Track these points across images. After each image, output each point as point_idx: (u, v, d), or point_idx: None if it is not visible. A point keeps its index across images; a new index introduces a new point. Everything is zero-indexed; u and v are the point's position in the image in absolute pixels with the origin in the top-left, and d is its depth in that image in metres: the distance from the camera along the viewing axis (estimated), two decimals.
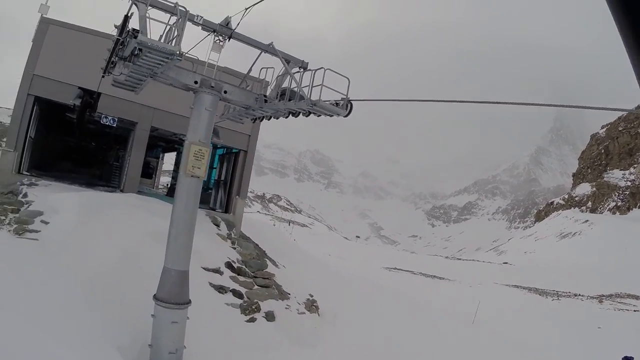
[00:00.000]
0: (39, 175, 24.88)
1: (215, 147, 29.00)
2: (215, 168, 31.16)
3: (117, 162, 36.80)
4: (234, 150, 28.47)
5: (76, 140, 43.53)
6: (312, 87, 10.60)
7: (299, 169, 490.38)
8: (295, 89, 11.45)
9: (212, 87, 11.21)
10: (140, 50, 9.72)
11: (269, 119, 13.51)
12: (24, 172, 24.04)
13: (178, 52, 9.46)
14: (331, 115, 11.25)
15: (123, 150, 34.24)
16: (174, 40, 9.64)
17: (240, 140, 26.95)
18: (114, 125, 24.25)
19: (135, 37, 9.19)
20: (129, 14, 9.96)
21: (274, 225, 59.99)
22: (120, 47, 10.23)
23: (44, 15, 22.65)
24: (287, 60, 12.30)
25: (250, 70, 13.13)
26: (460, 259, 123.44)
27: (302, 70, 12.30)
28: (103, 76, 12.00)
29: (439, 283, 58.92)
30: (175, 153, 39.30)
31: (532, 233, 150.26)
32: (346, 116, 11.08)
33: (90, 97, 21.75)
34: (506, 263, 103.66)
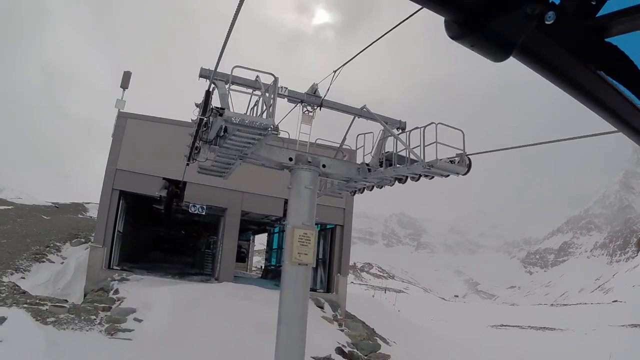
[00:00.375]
0: (130, 268, 24.73)
1: None
2: None
3: (208, 249, 36.63)
4: (329, 226, 27.34)
5: (166, 230, 43.98)
6: (425, 146, 9.22)
7: (387, 234, 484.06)
8: (401, 152, 10.13)
9: (309, 162, 9.99)
10: (225, 131, 8.73)
11: (370, 190, 12.19)
12: (114, 267, 23.81)
13: (273, 126, 8.30)
14: (447, 176, 9.76)
15: (214, 236, 34.02)
16: (264, 114, 8.53)
17: (335, 215, 25.84)
18: (203, 213, 23.80)
19: (221, 115, 8.12)
20: (211, 90, 8.95)
21: (373, 296, 57.76)
22: (204, 129, 9.25)
23: (121, 110, 22.91)
24: (384, 122, 11.05)
25: (344, 139, 11.89)
26: (566, 305, 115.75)
27: (400, 130, 11.03)
28: (187, 164, 11.18)
29: (552, 335, 54.57)
30: (266, 234, 39.12)
31: (637, 264, 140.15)
32: (465, 174, 9.56)
33: (176, 187, 21.60)
34: (616, 301, 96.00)
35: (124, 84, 22.78)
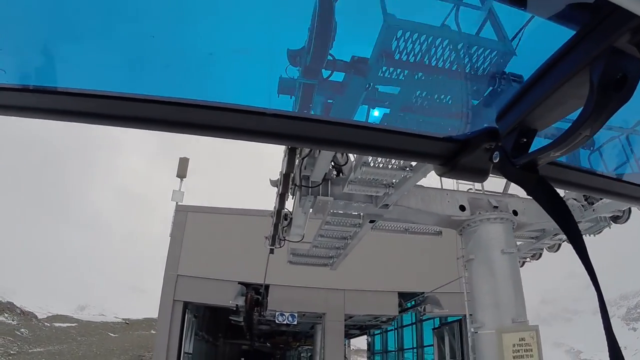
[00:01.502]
0: None
1: (420, 320, 23.11)
2: (430, 346, 24.12)
3: None
4: (451, 319, 22.06)
5: (249, 343, 39.60)
6: None
7: None
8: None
9: (496, 207, 5.57)
10: (339, 173, 4.79)
11: (556, 250, 7.86)
12: None
13: None
14: None
15: (309, 345, 29.61)
16: None
17: (458, 302, 20.26)
18: (294, 322, 19.00)
19: None
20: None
21: None
22: (301, 161, 5.15)
23: (179, 203, 19.11)
24: None
25: None
26: None
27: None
28: (271, 250, 7.12)
29: None
30: (364, 336, 34.46)
31: None
32: None
33: (256, 293, 17.68)
34: None
35: (181, 173, 19.10)
